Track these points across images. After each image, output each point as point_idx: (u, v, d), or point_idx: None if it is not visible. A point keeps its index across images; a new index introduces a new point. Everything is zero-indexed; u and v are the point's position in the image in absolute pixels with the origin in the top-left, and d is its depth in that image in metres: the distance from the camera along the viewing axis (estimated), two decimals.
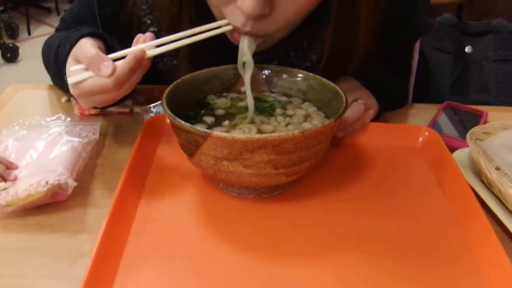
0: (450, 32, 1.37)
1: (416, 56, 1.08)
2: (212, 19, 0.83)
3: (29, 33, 4.56)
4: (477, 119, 1.01)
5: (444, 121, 1.01)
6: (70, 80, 0.75)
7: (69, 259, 0.67)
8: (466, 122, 1.00)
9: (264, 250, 0.69)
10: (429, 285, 0.64)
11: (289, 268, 0.66)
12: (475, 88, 1.32)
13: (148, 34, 0.76)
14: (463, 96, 1.32)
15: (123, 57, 0.74)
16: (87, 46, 0.76)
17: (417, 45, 1.10)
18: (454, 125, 1.00)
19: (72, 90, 0.77)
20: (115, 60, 0.74)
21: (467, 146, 0.88)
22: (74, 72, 0.75)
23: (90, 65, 0.74)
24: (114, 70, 0.72)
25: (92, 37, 0.81)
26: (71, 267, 0.66)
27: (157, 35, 0.77)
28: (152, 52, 0.75)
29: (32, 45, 4.32)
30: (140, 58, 0.73)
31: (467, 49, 1.33)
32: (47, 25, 4.78)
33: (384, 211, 0.77)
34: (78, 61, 0.76)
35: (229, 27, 0.80)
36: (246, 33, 0.80)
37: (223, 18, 0.82)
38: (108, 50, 0.80)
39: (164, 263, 0.66)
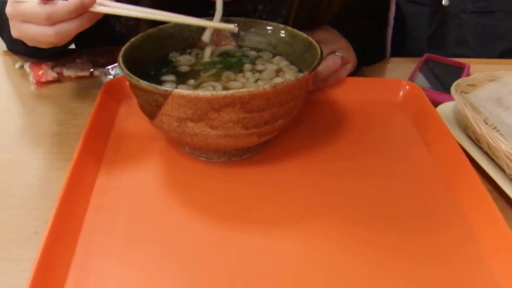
0: None
1: (393, 7, 1.02)
2: None
3: None
4: (459, 72, 0.96)
5: (424, 74, 0.96)
6: None
7: (20, 238, 0.61)
8: (448, 75, 0.95)
9: (237, 219, 0.63)
10: (420, 248, 0.59)
11: (263, 237, 0.60)
12: (453, 42, 1.28)
13: None
14: (441, 50, 1.27)
15: None
16: None
17: None
18: (435, 79, 0.94)
19: (8, 7, 0.71)
20: None
21: (450, 100, 0.84)
22: None
23: None
24: None
25: None
26: (23, 247, 0.60)
27: None
28: (102, 8, 0.69)
29: None
30: (86, 5, 0.67)
31: (444, 1, 1.27)
32: None
33: (366, 172, 0.71)
34: None
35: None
36: None
37: None
38: None
39: (128, 239, 0.60)
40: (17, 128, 0.82)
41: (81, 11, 0.67)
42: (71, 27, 0.68)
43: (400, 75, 0.96)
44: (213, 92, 0.58)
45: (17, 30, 0.72)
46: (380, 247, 0.59)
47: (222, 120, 0.61)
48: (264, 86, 0.59)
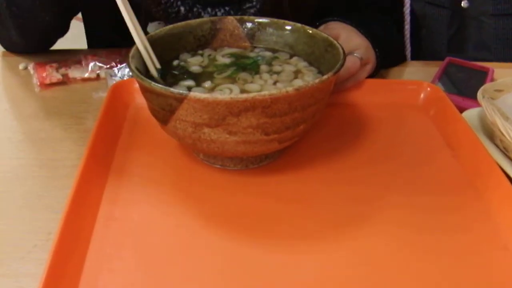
0: None
1: (407, 1, 0.99)
2: None
3: None
4: (483, 76, 0.92)
5: (447, 78, 0.91)
6: None
7: (18, 252, 0.57)
8: (471, 80, 0.91)
9: (255, 233, 0.59)
10: (449, 259, 0.55)
11: (286, 253, 0.56)
12: (473, 45, 1.23)
13: None
14: (460, 54, 1.23)
15: None
16: None
17: None
18: (458, 83, 0.91)
19: None
20: None
21: (473, 105, 0.80)
22: None
23: None
24: None
25: None
26: (20, 262, 0.56)
27: None
28: None
29: None
30: None
31: (464, 3, 1.22)
32: None
33: (389, 178, 0.68)
34: None
35: None
36: None
37: None
38: None
39: (139, 253, 0.56)
40: (18, 132, 0.78)
41: None
42: None
43: (421, 79, 0.91)
44: (233, 96, 0.54)
45: None
46: (408, 256, 0.56)
47: (241, 125, 0.57)
48: (286, 89, 0.55)
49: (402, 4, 1.02)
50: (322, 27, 0.87)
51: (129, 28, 0.64)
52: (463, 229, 0.60)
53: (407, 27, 1.02)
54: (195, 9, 0.89)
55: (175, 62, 0.72)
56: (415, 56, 1.09)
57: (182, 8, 0.88)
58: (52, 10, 0.93)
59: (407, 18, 1.01)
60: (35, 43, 0.99)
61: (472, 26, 1.22)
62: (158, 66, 0.68)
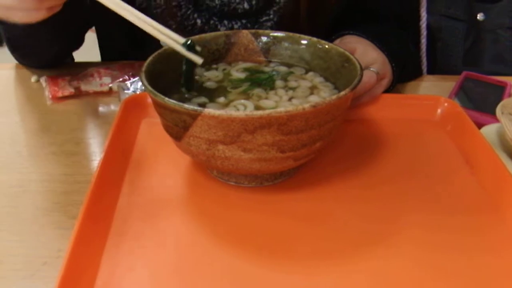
0: None
1: (424, 15, 0.97)
2: None
3: None
4: (500, 91, 0.90)
5: (464, 93, 0.90)
6: None
7: (27, 270, 0.55)
8: (488, 95, 0.90)
9: (269, 252, 0.57)
10: (469, 281, 0.54)
11: (301, 274, 0.54)
12: (489, 58, 1.21)
13: None
14: (476, 67, 1.21)
15: None
16: None
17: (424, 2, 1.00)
18: (475, 98, 0.89)
19: None
20: None
21: (491, 121, 0.79)
22: None
23: None
24: None
25: None
26: (29, 280, 0.54)
27: None
28: None
29: None
30: None
31: (479, 16, 1.21)
32: None
33: (406, 196, 0.66)
34: None
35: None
36: None
37: None
38: None
39: (151, 272, 0.54)
40: (29, 146, 0.78)
41: None
42: None
43: (437, 94, 0.90)
44: (248, 113, 0.53)
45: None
46: (427, 277, 0.54)
47: (257, 143, 0.55)
48: (303, 105, 0.53)
49: (418, 18, 1.00)
50: (337, 41, 0.86)
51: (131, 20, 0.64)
52: (483, 250, 0.58)
53: (423, 41, 1.01)
54: (211, 22, 0.88)
55: None
56: (431, 70, 1.07)
57: (198, 21, 0.88)
58: (59, 41, 0.93)
59: (424, 32, 1.00)
60: (46, 64, 0.99)
61: (488, 39, 1.20)
62: (181, 40, 0.66)
